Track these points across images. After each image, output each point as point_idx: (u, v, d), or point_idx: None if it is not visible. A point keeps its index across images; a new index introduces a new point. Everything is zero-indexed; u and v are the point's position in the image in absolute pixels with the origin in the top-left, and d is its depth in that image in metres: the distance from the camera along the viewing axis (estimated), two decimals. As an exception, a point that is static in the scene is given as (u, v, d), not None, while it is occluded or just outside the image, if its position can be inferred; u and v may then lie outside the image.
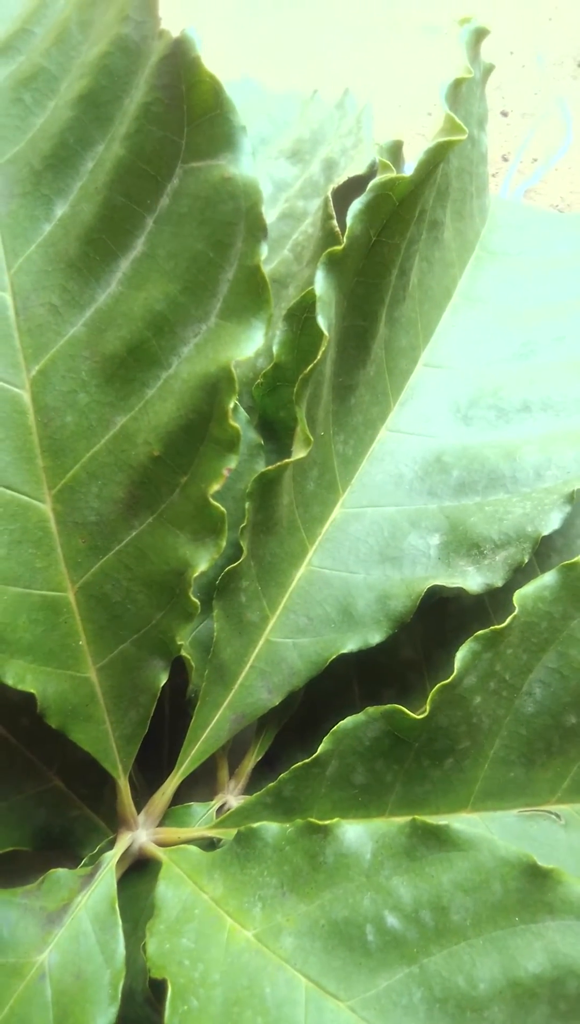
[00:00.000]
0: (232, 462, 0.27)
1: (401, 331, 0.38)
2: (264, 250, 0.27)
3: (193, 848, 0.31)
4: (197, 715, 0.33)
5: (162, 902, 0.29)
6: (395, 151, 0.41)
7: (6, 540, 0.28)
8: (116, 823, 0.35)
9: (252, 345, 0.27)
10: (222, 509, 0.28)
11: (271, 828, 0.29)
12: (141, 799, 0.34)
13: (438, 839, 0.28)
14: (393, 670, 0.39)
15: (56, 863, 0.36)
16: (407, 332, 0.39)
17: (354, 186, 0.40)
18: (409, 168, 0.43)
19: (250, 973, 0.27)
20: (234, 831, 0.31)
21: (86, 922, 0.29)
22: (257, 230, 0.27)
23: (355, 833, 0.28)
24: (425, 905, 0.27)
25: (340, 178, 0.41)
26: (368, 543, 0.35)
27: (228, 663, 0.33)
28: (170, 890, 0.29)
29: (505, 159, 0.78)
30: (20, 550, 0.29)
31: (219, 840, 0.32)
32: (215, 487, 0.27)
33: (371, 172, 0.40)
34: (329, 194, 0.38)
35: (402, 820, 0.28)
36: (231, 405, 0.26)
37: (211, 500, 0.27)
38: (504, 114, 0.80)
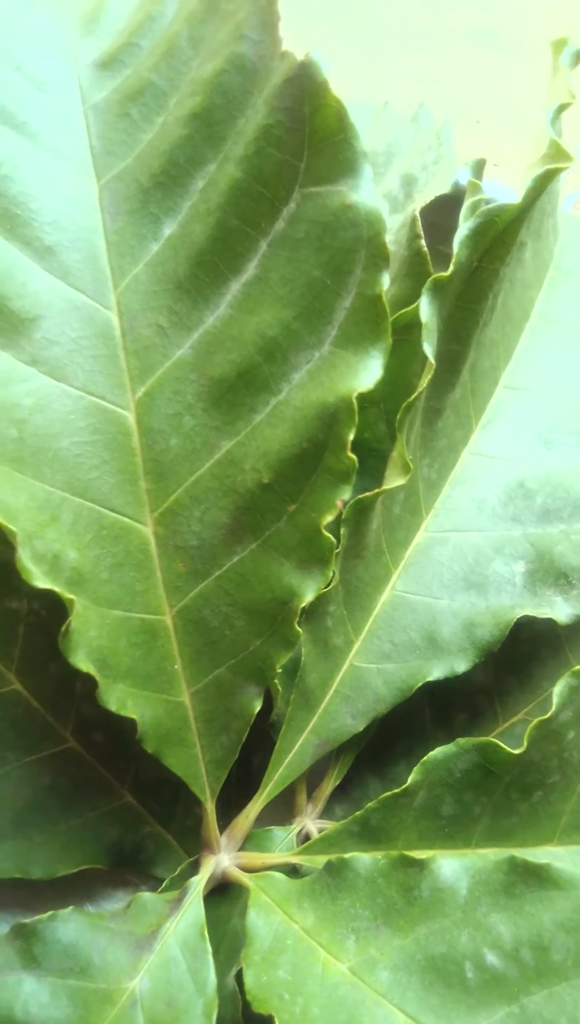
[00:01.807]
0: (346, 493, 0.27)
1: (484, 353, 0.38)
2: (385, 280, 0.26)
3: (279, 875, 0.31)
4: (282, 739, 0.33)
5: (254, 931, 0.29)
6: (479, 169, 0.41)
7: (108, 563, 0.28)
8: (188, 842, 0.35)
9: (370, 376, 0.26)
10: (332, 539, 0.27)
11: (363, 860, 0.29)
12: (220, 821, 0.34)
13: (538, 877, 0.27)
14: (464, 695, 0.38)
15: (128, 882, 0.36)
16: (490, 353, 0.38)
17: (440, 205, 0.39)
18: (487, 185, 0.43)
19: (348, 1007, 0.26)
20: (320, 859, 0.30)
21: (175, 948, 0.29)
22: (379, 259, 0.26)
23: (451, 868, 0.28)
24: (525, 944, 0.27)
25: (422, 195, 0.41)
26: (452, 569, 0.35)
27: (313, 688, 0.33)
28: (261, 919, 0.29)
29: (553, 170, 0.77)
30: (121, 573, 0.28)
31: (301, 866, 0.32)
32: (328, 518, 0.27)
33: (457, 191, 0.40)
34: (417, 213, 0.38)
35: (498, 856, 0.28)
36: (350, 436, 0.26)
37: (322, 530, 0.27)
38: (553, 124, 0.79)
